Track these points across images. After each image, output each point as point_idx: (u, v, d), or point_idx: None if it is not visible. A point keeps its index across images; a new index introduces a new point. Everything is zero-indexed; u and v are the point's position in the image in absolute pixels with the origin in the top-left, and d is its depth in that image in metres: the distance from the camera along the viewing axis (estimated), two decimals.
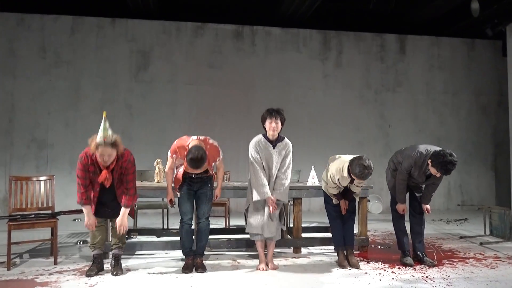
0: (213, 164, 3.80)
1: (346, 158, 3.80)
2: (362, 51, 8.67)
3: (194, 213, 4.00)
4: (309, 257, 4.38)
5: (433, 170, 3.73)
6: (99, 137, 3.32)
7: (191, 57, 8.09)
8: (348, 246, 4.07)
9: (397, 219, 4.24)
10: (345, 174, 3.72)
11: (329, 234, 5.22)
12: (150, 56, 8.03)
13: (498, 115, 8.88)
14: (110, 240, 3.87)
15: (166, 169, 3.80)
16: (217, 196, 3.94)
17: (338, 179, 3.79)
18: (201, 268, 3.77)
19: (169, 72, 8.03)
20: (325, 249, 4.70)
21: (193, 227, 4.02)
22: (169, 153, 3.72)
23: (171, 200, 3.84)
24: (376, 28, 8.68)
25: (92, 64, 7.80)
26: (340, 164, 3.80)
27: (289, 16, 8.06)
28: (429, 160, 3.75)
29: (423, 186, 4.10)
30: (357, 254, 4.44)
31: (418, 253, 4.13)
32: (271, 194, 3.74)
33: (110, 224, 3.81)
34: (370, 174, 3.57)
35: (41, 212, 4.25)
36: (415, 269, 3.92)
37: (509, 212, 5.27)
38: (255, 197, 3.73)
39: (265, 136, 3.83)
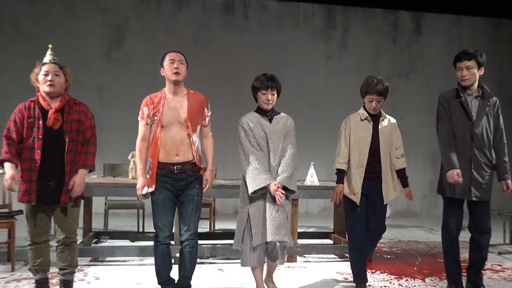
0: (198, 131, 3.26)
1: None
2: (371, 30, 8.73)
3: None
4: (305, 267, 4.44)
5: (457, 74, 3.49)
6: (44, 59, 3.20)
7: (173, 33, 8.08)
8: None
9: (450, 233, 3.60)
10: (361, 111, 3.62)
11: (329, 241, 5.31)
12: (125, 31, 8.01)
13: None
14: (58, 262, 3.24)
15: (138, 142, 3.21)
16: (206, 182, 3.26)
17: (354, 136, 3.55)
18: None
19: (147, 50, 8.01)
20: (323, 258, 4.79)
21: (172, 242, 3.67)
22: (139, 116, 3.23)
23: (143, 189, 3.16)
24: (388, 4, 8.74)
25: (57, 39, 7.71)
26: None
27: None
28: (456, 70, 3.50)
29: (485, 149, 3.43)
30: None
31: (472, 285, 3.59)
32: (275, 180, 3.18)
33: (57, 240, 3.20)
34: (382, 83, 3.47)
35: None
36: (424, 281, 4.01)
37: None
38: (251, 188, 3.13)
39: (257, 111, 3.36)
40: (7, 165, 3.01)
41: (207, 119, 3.29)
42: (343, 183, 3.58)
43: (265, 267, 3.40)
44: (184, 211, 3.21)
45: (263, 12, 8.45)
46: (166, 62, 3.19)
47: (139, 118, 3.22)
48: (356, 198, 3.51)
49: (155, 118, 3.15)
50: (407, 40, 8.87)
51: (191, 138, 3.17)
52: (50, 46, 3.26)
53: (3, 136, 3.06)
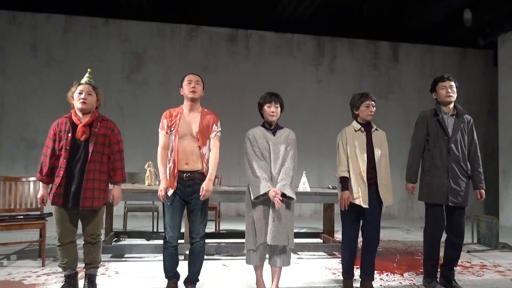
0: (208, 145, 3.16)
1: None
2: (355, 57, 8.77)
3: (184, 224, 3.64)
4: (298, 263, 4.40)
5: (441, 93, 3.44)
6: (82, 80, 3.17)
7: (185, 59, 8.12)
8: (366, 278, 3.46)
9: (431, 235, 3.49)
10: (353, 123, 3.44)
11: (319, 240, 5.27)
12: (143, 58, 8.04)
13: (488, 124, 9.03)
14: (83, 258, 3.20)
15: (159, 150, 3.11)
16: (203, 190, 3.02)
17: (349, 148, 3.34)
18: None
19: (162, 74, 8.04)
20: (314, 255, 4.74)
21: (182, 241, 3.58)
22: (159, 127, 3.18)
23: (166, 191, 3.03)
24: (369, 35, 8.80)
25: (84, 64, 7.75)
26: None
27: (283, 20, 8.14)
28: (433, 93, 3.48)
29: (459, 162, 3.40)
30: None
31: (445, 279, 3.54)
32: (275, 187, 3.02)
33: (83, 239, 3.15)
34: (370, 94, 3.42)
35: (30, 213, 4.24)
36: (403, 276, 3.97)
37: (497, 221, 5.38)
38: (254, 194, 3.01)
39: (262, 125, 3.26)
40: (40, 184, 3.12)
41: (213, 133, 3.17)
42: (348, 190, 3.29)
43: (268, 272, 3.25)
44: (194, 218, 3.13)
45: (262, 42, 8.49)
46: (185, 82, 3.17)
47: (159, 129, 3.16)
48: (359, 201, 3.25)
49: (172, 129, 3.10)
50: (386, 66, 8.91)
51: (201, 150, 3.10)
52: (89, 70, 3.25)
53: (42, 154, 3.10)
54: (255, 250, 3.07)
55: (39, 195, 3.09)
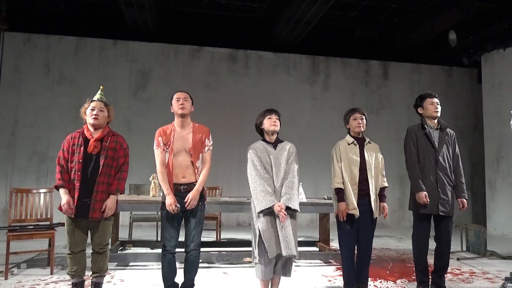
0: (201, 158, 3.12)
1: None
2: (348, 75, 8.81)
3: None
4: (295, 270, 4.33)
5: (429, 108, 3.47)
6: (94, 97, 3.18)
7: (188, 77, 8.15)
8: (361, 285, 3.37)
9: (420, 244, 3.46)
10: (347, 137, 3.42)
11: (315, 249, 5.21)
12: (149, 76, 8.07)
13: (474, 137, 9.03)
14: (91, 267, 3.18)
15: (159, 167, 3.04)
16: (189, 199, 2.97)
17: (344, 159, 3.30)
18: None
19: (166, 91, 8.03)
20: (310, 263, 4.69)
21: (181, 249, 3.44)
22: (154, 145, 3.10)
23: (175, 204, 2.96)
24: (361, 55, 8.84)
25: (94, 83, 7.78)
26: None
27: (280, 41, 8.20)
28: (418, 108, 3.53)
29: (447, 176, 3.42)
30: (336, 268, 4.43)
31: (436, 287, 3.46)
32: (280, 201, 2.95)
33: (91, 248, 3.14)
34: (360, 108, 3.41)
35: (40, 223, 4.21)
36: (396, 283, 3.91)
37: (484, 230, 5.33)
38: (258, 208, 2.91)
39: (263, 140, 3.21)
40: (62, 191, 2.99)
41: (206, 147, 3.14)
42: (344, 201, 3.23)
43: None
44: (189, 225, 3.07)
45: (261, 61, 8.54)
46: (174, 100, 3.15)
47: (155, 147, 3.09)
48: (356, 211, 3.20)
49: (167, 146, 3.06)
50: (377, 84, 8.94)
51: (195, 164, 3.07)
52: (101, 87, 3.24)
53: (57, 164, 3.06)
54: (263, 263, 2.94)
55: (64, 201, 2.94)
